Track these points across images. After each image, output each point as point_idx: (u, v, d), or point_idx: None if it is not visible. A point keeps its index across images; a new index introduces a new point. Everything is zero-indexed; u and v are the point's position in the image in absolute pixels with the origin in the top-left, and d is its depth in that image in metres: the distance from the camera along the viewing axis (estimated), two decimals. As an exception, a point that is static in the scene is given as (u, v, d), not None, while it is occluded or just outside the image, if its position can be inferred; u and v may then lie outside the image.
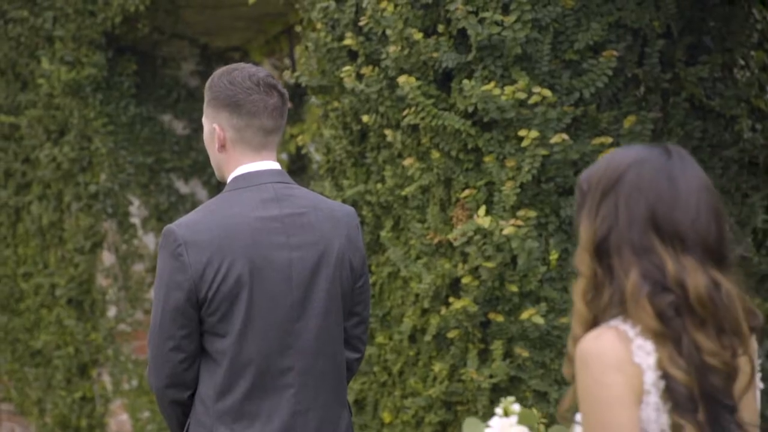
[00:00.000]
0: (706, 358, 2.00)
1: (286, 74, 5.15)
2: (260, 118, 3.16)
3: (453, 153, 4.47)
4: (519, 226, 4.28)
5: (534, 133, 4.28)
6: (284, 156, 7.38)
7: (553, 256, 4.35)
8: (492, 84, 4.30)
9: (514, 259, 4.37)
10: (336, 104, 4.97)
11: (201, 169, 7.34)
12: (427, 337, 4.58)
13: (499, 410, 2.29)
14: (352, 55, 4.88)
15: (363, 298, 3.30)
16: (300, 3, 5.20)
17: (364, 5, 4.68)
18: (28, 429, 7.71)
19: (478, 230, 4.35)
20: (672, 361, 2.00)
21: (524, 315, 4.33)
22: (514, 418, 2.26)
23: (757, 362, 2.13)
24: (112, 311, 7.06)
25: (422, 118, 4.48)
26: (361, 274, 3.26)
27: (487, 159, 4.39)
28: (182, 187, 7.33)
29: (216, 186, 7.35)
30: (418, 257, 4.65)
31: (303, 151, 6.76)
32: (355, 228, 3.24)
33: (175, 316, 3.07)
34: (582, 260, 2.12)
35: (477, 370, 4.43)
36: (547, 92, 4.28)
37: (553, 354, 4.40)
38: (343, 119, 4.97)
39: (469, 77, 4.41)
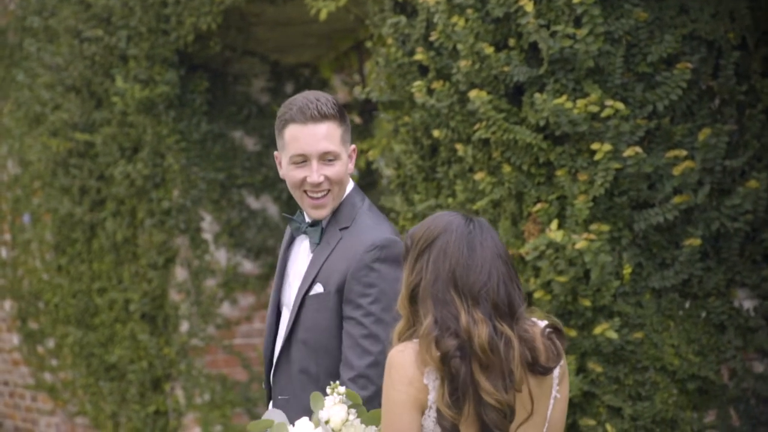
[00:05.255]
0: (484, 395, 2.49)
1: (357, 90, 5.17)
2: None
3: (524, 167, 4.45)
4: (592, 240, 4.24)
5: (607, 147, 4.25)
6: (354, 171, 7.40)
7: (627, 270, 4.31)
8: (564, 97, 4.27)
9: (586, 273, 4.33)
10: (406, 119, 4.98)
11: (271, 184, 7.39)
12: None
13: (328, 389, 2.77)
14: (423, 70, 4.89)
15: None
16: (370, 19, 5.22)
17: (434, 20, 4.68)
18: (102, 442, 7.81)
19: (550, 244, 4.33)
20: (442, 399, 2.50)
21: (597, 330, 4.29)
22: (338, 397, 2.75)
23: (552, 394, 2.60)
24: (184, 326, 7.13)
25: (493, 132, 4.47)
26: None
27: (559, 173, 4.36)
28: (253, 203, 7.38)
29: (286, 201, 7.39)
30: (489, 272, 4.63)
31: (373, 167, 6.77)
32: None
33: None
34: (402, 304, 2.63)
35: (550, 385, 4.40)
36: (620, 105, 4.25)
37: (626, 369, 4.36)
38: (414, 134, 4.97)
39: (541, 91, 4.39)
